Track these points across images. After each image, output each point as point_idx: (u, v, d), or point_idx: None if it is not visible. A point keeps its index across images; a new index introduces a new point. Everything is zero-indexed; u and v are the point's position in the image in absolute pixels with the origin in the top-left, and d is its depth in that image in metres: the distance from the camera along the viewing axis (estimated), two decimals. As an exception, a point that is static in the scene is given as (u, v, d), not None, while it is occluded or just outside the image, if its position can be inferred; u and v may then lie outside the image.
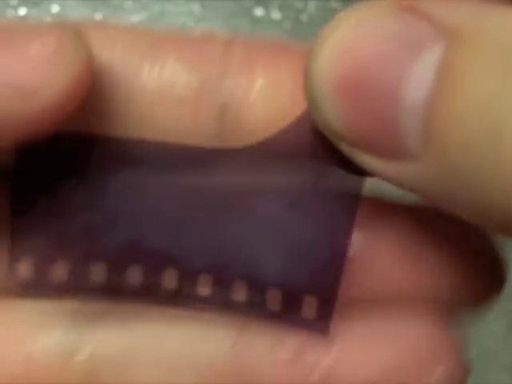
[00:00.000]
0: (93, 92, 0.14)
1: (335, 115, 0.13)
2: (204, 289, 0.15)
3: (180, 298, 0.15)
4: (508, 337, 0.42)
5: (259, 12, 0.34)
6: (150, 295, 0.15)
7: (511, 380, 0.40)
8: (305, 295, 0.15)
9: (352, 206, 0.15)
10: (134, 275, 0.15)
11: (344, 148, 0.13)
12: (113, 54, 0.14)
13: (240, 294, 0.15)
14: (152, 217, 0.15)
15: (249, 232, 0.15)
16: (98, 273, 0.15)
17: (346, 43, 0.12)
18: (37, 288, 0.15)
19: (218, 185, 0.15)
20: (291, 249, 0.15)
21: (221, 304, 0.15)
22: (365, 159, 0.13)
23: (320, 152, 0.14)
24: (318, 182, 0.15)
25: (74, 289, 0.15)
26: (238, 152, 0.15)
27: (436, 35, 0.12)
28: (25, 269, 0.15)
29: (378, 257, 0.16)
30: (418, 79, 0.12)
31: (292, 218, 0.15)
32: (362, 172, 0.14)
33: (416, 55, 0.12)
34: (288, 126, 0.15)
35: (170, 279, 0.15)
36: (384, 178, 0.13)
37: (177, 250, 0.15)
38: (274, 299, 0.15)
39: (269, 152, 0.15)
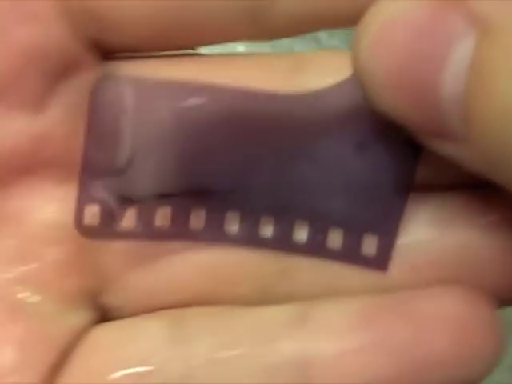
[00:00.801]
0: None
1: (386, 103, 0.13)
2: (266, 229, 0.16)
3: (242, 239, 0.16)
4: (508, 337, 0.42)
5: None
6: (214, 236, 0.16)
7: (511, 380, 0.40)
8: (365, 234, 0.16)
9: (415, 150, 0.15)
10: (198, 217, 0.16)
11: (403, 127, 0.14)
12: None
13: (301, 234, 0.16)
14: (218, 159, 0.15)
15: (313, 173, 0.16)
16: (163, 216, 0.15)
17: (383, 35, 0.13)
18: (102, 234, 0.15)
19: (283, 128, 0.15)
20: (354, 189, 0.16)
21: (282, 245, 0.16)
22: (422, 138, 0.13)
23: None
24: (382, 128, 0.15)
25: (140, 234, 0.15)
26: (301, 97, 0.15)
27: (467, 27, 0.12)
28: (91, 215, 0.15)
29: None
30: (454, 73, 0.12)
31: (356, 159, 0.15)
32: None
33: (449, 49, 0.12)
34: (343, 81, 0.15)
35: (232, 220, 0.16)
36: (439, 154, 0.14)
37: (241, 191, 0.16)
38: (334, 238, 0.16)
39: (328, 101, 0.15)
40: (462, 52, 0.12)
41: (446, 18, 0.12)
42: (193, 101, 0.15)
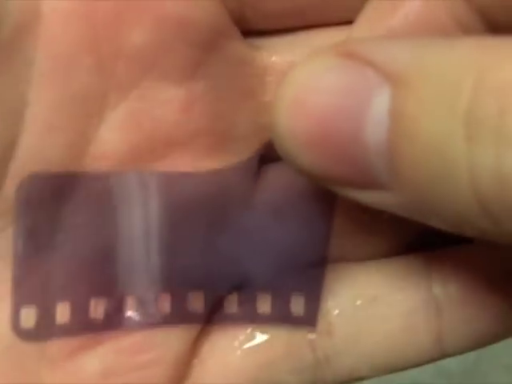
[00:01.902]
0: None
1: (308, 163, 0.13)
2: (197, 305, 0.16)
3: (174, 318, 0.15)
4: (508, 337, 0.42)
5: None
6: (144, 320, 0.15)
7: (511, 380, 0.41)
8: (292, 294, 0.16)
9: (330, 211, 0.16)
10: (129, 305, 0.15)
11: (323, 184, 0.14)
12: None
13: (232, 307, 0.16)
14: (143, 245, 0.15)
15: (236, 244, 0.16)
16: (99, 308, 0.15)
17: (301, 100, 0.13)
18: (41, 333, 0.15)
19: (201, 203, 0.15)
20: (277, 255, 0.16)
21: (215, 318, 0.16)
22: (344, 191, 0.14)
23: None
24: (297, 194, 0.16)
25: (77, 327, 0.15)
26: (212, 175, 0.15)
27: (381, 82, 0.12)
28: (27, 317, 0.14)
29: None
30: (375, 126, 0.12)
31: (276, 227, 0.16)
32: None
33: (367, 104, 0.12)
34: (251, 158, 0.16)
35: (163, 302, 0.15)
36: (364, 204, 0.14)
37: (170, 271, 0.15)
38: (263, 303, 0.16)
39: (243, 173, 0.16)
40: (379, 105, 0.12)
41: (361, 77, 0.12)
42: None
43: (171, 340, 0.16)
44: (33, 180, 0.14)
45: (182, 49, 0.14)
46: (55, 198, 0.14)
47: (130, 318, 0.15)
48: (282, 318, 0.16)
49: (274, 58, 0.16)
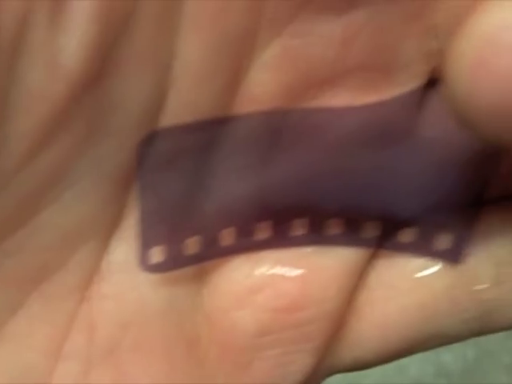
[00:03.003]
0: None
1: (495, 131, 0.12)
2: (336, 230, 0.15)
3: (309, 240, 0.15)
4: (508, 337, 0.42)
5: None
6: (281, 243, 0.15)
7: (511, 380, 0.41)
8: (438, 232, 0.15)
9: (493, 161, 0.15)
10: (263, 229, 0.15)
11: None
12: None
13: (372, 231, 0.15)
14: (282, 174, 0.15)
15: (381, 179, 0.15)
16: (228, 236, 0.15)
17: (486, 61, 0.11)
18: (168, 267, 0.15)
19: (349, 137, 0.15)
20: (428, 194, 0.15)
21: (352, 240, 0.15)
22: None
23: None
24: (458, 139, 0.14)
25: (206, 256, 0.15)
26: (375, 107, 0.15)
27: None
28: (156, 254, 0.14)
29: None
30: None
31: (425, 167, 0.15)
32: None
33: None
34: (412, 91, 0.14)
35: (299, 225, 0.15)
36: None
37: (309, 198, 0.15)
38: (406, 233, 0.15)
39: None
40: None
41: None
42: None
43: (327, 294, 0.15)
44: (155, 137, 0.14)
45: None
46: (199, 149, 0.14)
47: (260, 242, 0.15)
48: (424, 249, 0.15)
49: None
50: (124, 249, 0.14)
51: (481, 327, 0.15)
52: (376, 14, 0.13)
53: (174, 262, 0.15)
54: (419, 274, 0.15)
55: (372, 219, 0.15)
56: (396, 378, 0.41)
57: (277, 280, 0.15)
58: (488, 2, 0.11)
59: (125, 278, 0.14)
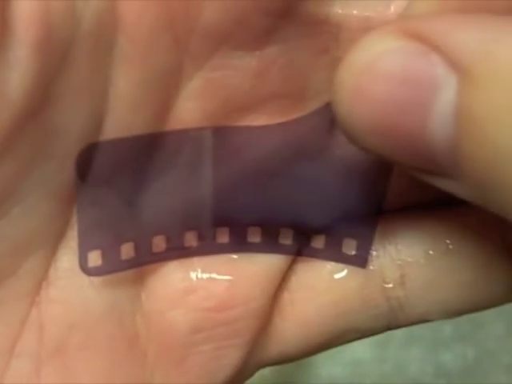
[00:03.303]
0: None
1: (370, 147, 0.13)
2: (254, 237, 0.17)
3: (232, 248, 0.17)
4: (508, 337, 0.42)
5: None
6: (206, 250, 0.17)
7: (511, 380, 0.41)
8: (345, 238, 0.17)
9: (386, 175, 0.16)
10: (191, 237, 0.17)
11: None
12: None
13: (286, 239, 0.17)
14: (205, 186, 0.16)
15: (293, 191, 0.16)
16: (160, 243, 0.16)
17: (360, 88, 0.12)
18: (106, 271, 0.16)
19: (266, 154, 0.16)
20: (332, 205, 0.17)
21: (271, 248, 0.17)
22: (408, 171, 0.13)
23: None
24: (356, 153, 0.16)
25: (140, 261, 0.16)
26: (278, 127, 0.16)
27: (448, 72, 0.11)
28: (94, 258, 0.16)
29: None
30: (440, 120, 0.12)
31: (333, 180, 0.16)
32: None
33: (433, 96, 0.12)
34: (320, 108, 0.16)
35: (222, 234, 0.17)
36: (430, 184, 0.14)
37: (230, 209, 0.17)
38: (317, 240, 0.17)
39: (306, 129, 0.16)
40: (445, 98, 0.11)
41: (426, 65, 0.12)
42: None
43: (253, 294, 0.16)
44: (91, 149, 0.15)
45: (255, 19, 0.14)
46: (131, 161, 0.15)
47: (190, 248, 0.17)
48: (334, 255, 0.17)
49: (347, 13, 0.15)
50: (70, 257, 0.16)
51: (389, 322, 0.17)
52: (288, 50, 0.15)
53: (111, 266, 0.16)
54: (334, 276, 0.17)
55: (286, 228, 0.17)
56: (396, 377, 0.41)
57: (207, 283, 0.16)
58: (368, 35, 0.12)
59: (71, 283, 0.16)
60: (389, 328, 0.18)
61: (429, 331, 0.41)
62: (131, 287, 0.16)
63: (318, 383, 0.41)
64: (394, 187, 0.16)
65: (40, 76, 0.13)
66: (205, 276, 0.16)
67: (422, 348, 0.41)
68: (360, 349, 0.41)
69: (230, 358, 0.16)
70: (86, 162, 0.15)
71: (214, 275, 0.16)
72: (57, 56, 0.13)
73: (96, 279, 0.16)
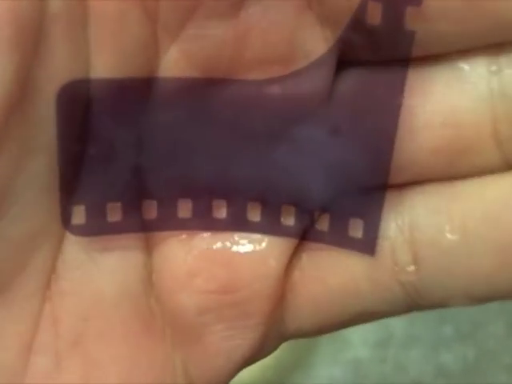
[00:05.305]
0: None
1: None
2: (254, 215, 0.16)
3: (232, 225, 0.16)
4: (508, 337, 0.42)
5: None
6: (202, 224, 0.16)
7: (511, 380, 0.41)
8: (351, 217, 0.16)
9: (390, 132, 0.15)
10: (185, 207, 0.16)
11: None
12: None
13: (289, 219, 0.16)
14: (199, 152, 0.16)
15: (293, 159, 0.15)
16: (149, 209, 0.16)
17: None
18: (90, 230, 0.15)
19: (258, 115, 0.15)
20: (335, 173, 0.16)
21: (271, 229, 0.16)
22: None
23: None
24: (356, 115, 0.15)
25: (127, 227, 0.16)
26: (272, 81, 0.15)
27: None
28: (77, 214, 0.15)
29: None
30: None
31: (333, 145, 0.15)
32: None
33: None
34: (313, 64, 0.15)
35: (220, 208, 0.16)
36: None
37: (226, 180, 0.16)
38: (322, 221, 0.16)
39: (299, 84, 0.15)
40: None
41: None
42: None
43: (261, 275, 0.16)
44: (75, 87, 0.14)
45: None
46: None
47: (183, 220, 0.16)
48: (339, 239, 0.16)
49: None
50: (76, 247, 0.16)
51: (408, 305, 0.17)
52: (266, 12, 0.15)
53: (96, 226, 0.15)
54: (342, 256, 0.16)
55: (288, 205, 0.16)
56: (396, 377, 0.41)
57: (209, 265, 0.16)
58: None
59: (80, 273, 0.16)
60: (412, 310, 0.17)
61: (429, 331, 0.41)
62: (142, 269, 0.16)
63: (318, 383, 0.41)
64: (401, 155, 0.15)
65: (18, 68, 0.13)
66: (206, 258, 0.16)
67: (422, 348, 0.41)
68: (360, 349, 0.41)
69: (245, 338, 0.16)
70: (69, 102, 0.14)
71: (214, 257, 0.16)
72: (30, 44, 0.13)
73: (105, 265, 0.16)
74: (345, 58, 0.15)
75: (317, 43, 0.15)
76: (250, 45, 0.15)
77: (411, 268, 0.16)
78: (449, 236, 0.16)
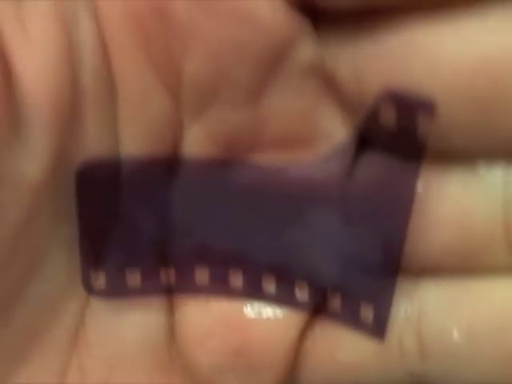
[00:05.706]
0: None
1: None
2: (269, 285, 0.16)
3: (247, 294, 0.16)
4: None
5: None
6: (219, 291, 0.16)
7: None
8: (362, 301, 0.16)
9: (403, 222, 0.15)
10: (202, 274, 0.16)
11: None
12: None
13: (302, 293, 0.16)
14: (216, 226, 0.16)
15: (307, 240, 0.16)
16: (168, 275, 0.16)
17: None
18: (111, 293, 0.16)
19: (274, 198, 0.16)
20: (347, 257, 0.16)
21: (285, 301, 0.16)
22: None
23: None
24: (367, 205, 0.16)
25: (146, 291, 0.16)
26: (290, 168, 0.16)
27: None
28: (98, 279, 0.16)
29: None
30: None
31: (344, 231, 0.16)
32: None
33: None
34: (331, 153, 0.15)
35: (236, 277, 0.16)
36: None
37: (242, 252, 0.16)
38: (334, 300, 0.16)
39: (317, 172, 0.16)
40: None
41: None
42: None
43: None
44: (93, 165, 0.15)
45: (240, 73, 0.14)
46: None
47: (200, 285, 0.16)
48: (350, 320, 0.16)
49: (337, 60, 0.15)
50: (103, 302, 0.16)
51: None
52: (284, 99, 0.15)
53: (116, 290, 0.16)
54: (352, 335, 0.16)
55: (301, 279, 0.16)
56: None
57: (223, 329, 0.16)
58: None
59: (106, 325, 0.17)
60: None
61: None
62: (165, 323, 0.17)
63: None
64: (414, 248, 0.16)
65: (57, 147, 0.14)
66: (222, 321, 0.17)
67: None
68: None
69: None
70: (89, 181, 0.15)
71: (231, 321, 0.17)
72: (67, 122, 0.14)
73: (130, 318, 0.16)
74: (364, 141, 0.15)
75: (336, 127, 0.15)
76: (270, 128, 0.15)
77: (417, 359, 0.16)
78: (455, 336, 0.16)
